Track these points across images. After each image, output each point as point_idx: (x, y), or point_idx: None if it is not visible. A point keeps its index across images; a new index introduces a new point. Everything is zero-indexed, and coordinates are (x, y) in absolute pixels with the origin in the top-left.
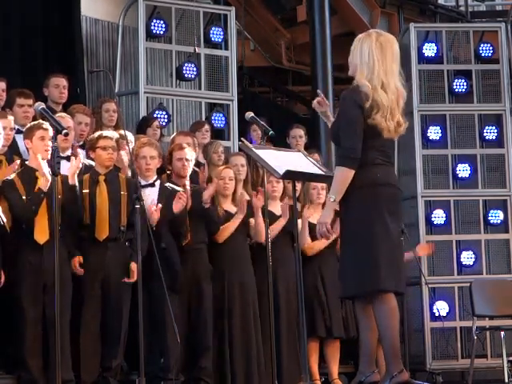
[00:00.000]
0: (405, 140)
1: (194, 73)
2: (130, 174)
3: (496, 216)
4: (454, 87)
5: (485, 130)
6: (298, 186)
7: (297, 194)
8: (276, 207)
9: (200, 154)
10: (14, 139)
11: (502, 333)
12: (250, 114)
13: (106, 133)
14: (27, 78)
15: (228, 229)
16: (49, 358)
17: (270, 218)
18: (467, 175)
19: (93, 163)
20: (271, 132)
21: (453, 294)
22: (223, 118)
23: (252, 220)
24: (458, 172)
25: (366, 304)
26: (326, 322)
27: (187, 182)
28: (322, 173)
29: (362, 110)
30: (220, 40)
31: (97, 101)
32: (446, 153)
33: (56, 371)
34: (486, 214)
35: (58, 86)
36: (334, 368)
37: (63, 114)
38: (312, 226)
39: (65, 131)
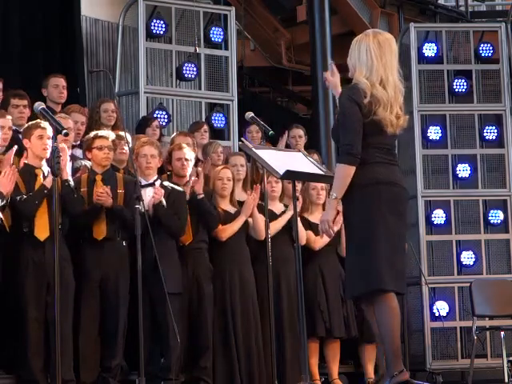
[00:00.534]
0: (405, 140)
1: (194, 73)
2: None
3: (496, 216)
4: (454, 87)
5: (485, 130)
6: (298, 186)
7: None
8: (276, 207)
9: (199, 154)
10: (14, 139)
11: (502, 333)
12: (249, 114)
13: (101, 132)
14: (27, 78)
15: (232, 228)
16: (51, 358)
17: (270, 217)
18: (467, 175)
19: (89, 163)
20: (271, 132)
21: (453, 294)
22: (223, 118)
23: (251, 219)
24: (458, 172)
25: (372, 305)
26: (326, 322)
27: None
28: (322, 173)
29: (359, 107)
30: (220, 40)
31: (97, 100)
32: (446, 153)
33: (56, 371)
34: (486, 213)
35: (58, 86)
36: (334, 368)
37: (63, 115)
38: (314, 226)
39: (65, 131)
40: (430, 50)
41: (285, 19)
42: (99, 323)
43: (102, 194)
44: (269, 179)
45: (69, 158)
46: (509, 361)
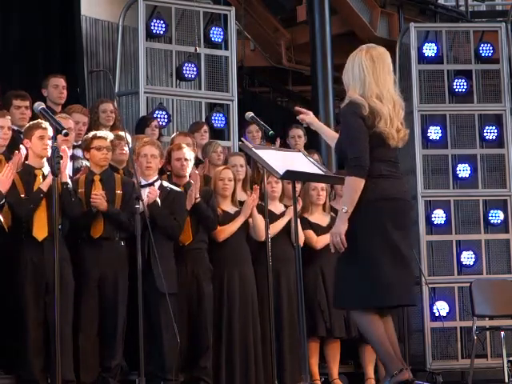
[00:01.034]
0: None
1: (194, 73)
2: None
3: (496, 216)
4: (454, 87)
5: (485, 130)
6: (298, 186)
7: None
8: (276, 207)
9: (199, 154)
10: (15, 139)
11: (502, 333)
12: (249, 114)
13: (100, 133)
14: (27, 78)
15: (230, 228)
16: (51, 358)
17: (270, 218)
18: (467, 175)
19: (87, 163)
20: (271, 132)
21: (453, 294)
22: (223, 118)
23: (251, 220)
24: (458, 172)
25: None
26: (327, 321)
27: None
28: (322, 173)
29: (363, 120)
30: (220, 40)
31: (96, 101)
32: (446, 153)
33: (56, 371)
34: (486, 213)
35: (57, 87)
36: (335, 368)
37: (64, 115)
38: (315, 226)
39: (65, 131)
40: (430, 49)
41: (285, 19)
42: (98, 323)
43: (97, 196)
44: (269, 179)
45: (69, 159)
46: (509, 361)
